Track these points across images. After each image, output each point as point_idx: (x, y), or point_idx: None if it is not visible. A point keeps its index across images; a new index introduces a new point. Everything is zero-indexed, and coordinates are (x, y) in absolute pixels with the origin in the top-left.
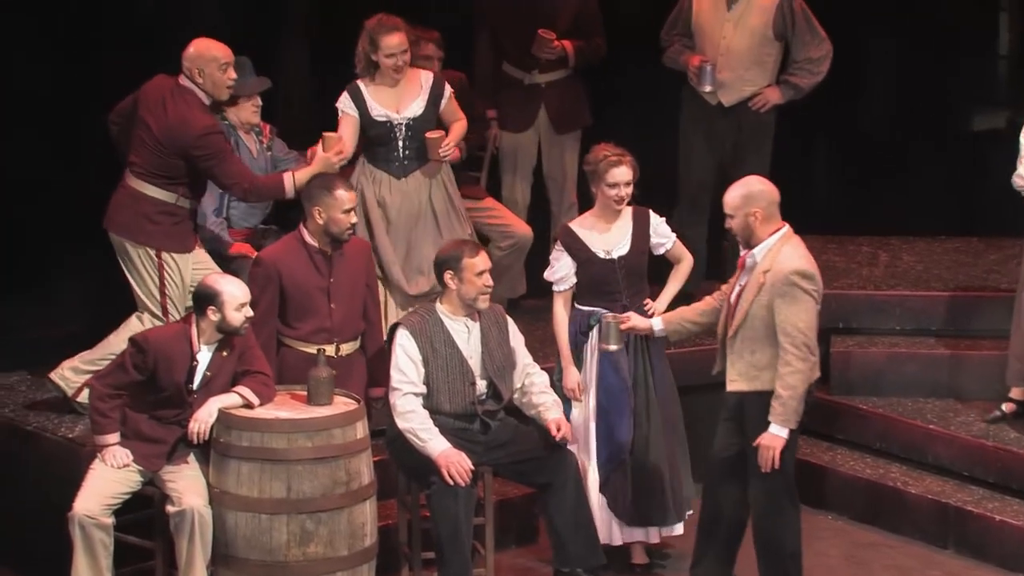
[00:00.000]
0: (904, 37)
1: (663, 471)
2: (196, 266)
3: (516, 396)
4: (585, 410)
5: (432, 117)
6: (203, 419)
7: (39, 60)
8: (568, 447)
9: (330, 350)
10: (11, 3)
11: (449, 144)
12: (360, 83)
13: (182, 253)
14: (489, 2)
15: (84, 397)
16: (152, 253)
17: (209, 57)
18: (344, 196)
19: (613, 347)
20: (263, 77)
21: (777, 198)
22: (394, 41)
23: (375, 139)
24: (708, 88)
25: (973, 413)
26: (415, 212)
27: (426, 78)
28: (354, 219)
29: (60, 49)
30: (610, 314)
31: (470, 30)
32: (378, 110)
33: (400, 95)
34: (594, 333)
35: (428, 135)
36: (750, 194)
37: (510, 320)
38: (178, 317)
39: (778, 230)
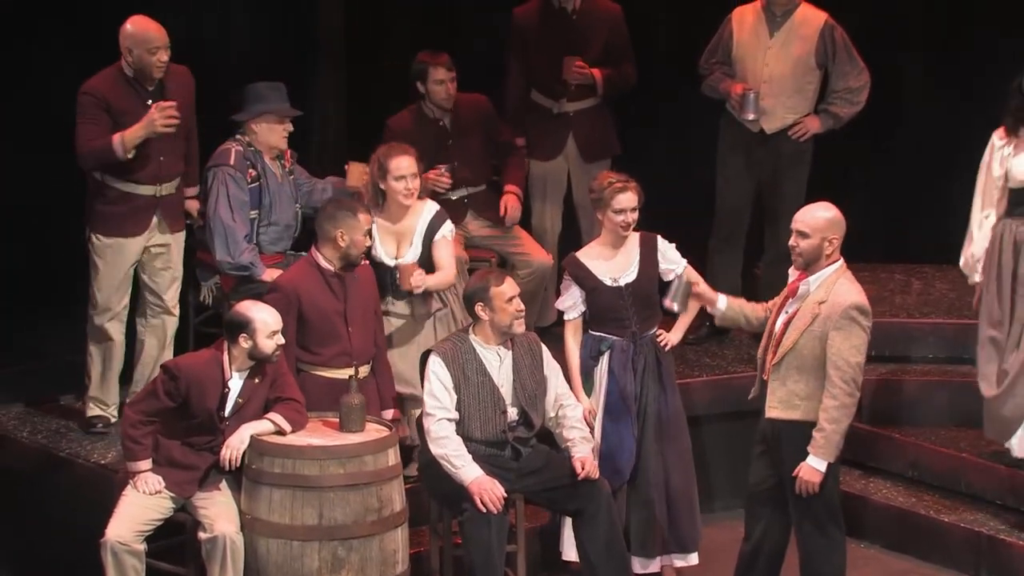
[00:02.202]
0: (938, 64)
1: (659, 501)
2: (152, 259)
3: (550, 426)
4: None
5: (427, 255)
6: (235, 446)
7: (74, 86)
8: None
9: (350, 373)
10: (50, 33)
11: (426, 280)
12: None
13: (113, 236)
14: (520, 31)
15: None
16: (87, 232)
17: (141, 39)
18: (364, 218)
19: (676, 307)
20: (292, 107)
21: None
22: (404, 163)
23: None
24: (752, 116)
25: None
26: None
27: (424, 219)
28: (369, 241)
29: (93, 75)
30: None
31: (501, 58)
32: (379, 250)
33: (401, 236)
34: (603, 359)
35: (400, 263)
36: (835, 220)
37: (545, 348)
38: (108, 309)
39: (835, 262)
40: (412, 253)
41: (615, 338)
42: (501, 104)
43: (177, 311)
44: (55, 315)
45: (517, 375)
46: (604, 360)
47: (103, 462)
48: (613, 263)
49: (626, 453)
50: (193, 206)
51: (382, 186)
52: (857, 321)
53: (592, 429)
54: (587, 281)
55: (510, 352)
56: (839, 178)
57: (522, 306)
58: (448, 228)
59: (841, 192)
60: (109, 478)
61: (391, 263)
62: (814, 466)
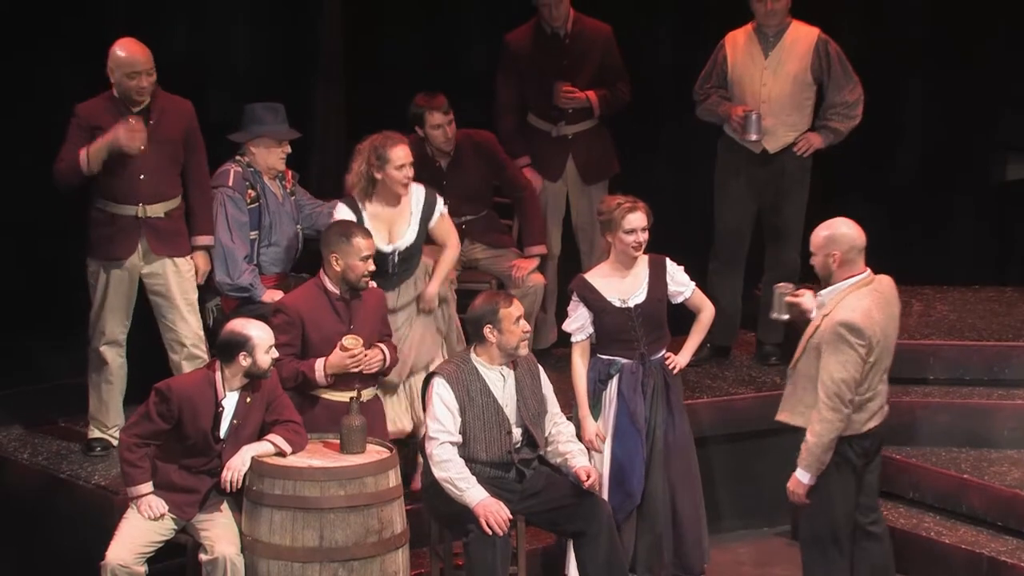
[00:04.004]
0: (937, 84)
1: (665, 524)
2: (153, 293)
3: None
4: (600, 458)
5: (423, 236)
6: (236, 467)
7: (77, 100)
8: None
9: (352, 396)
10: (53, 56)
11: (435, 285)
12: (357, 201)
13: (99, 259)
14: (512, 57)
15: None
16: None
17: (122, 62)
18: (362, 243)
19: (784, 316)
20: (291, 128)
21: (860, 244)
22: (402, 152)
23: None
24: (754, 137)
25: (1007, 463)
26: (401, 319)
27: (416, 200)
28: (371, 267)
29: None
30: (783, 283)
31: (494, 83)
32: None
33: (393, 222)
34: (612, 382)
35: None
36: (833, 236)
37: (541, 368)
38: (102, 333)
39: (854, 275)
40: (410, 235)
41: (624, 361)
42: (494, 126)
43: (200, 350)
44: (56, 336)
45: (521, 395)
46: (613, 383)
47: (104, 484)
48: (622, 284)
49: (636, 476)
50: (200, 261)
51: (378, 175)
52: (844, 338)
53: (600, 453)
54: (595, 302)
55: (513, 372)
56: (836, 198)
57: (529, 328)
58: (441, 203)
59: (840, 212)
60: (110, 500)
61: (387, 250)
62: (798, 477)
